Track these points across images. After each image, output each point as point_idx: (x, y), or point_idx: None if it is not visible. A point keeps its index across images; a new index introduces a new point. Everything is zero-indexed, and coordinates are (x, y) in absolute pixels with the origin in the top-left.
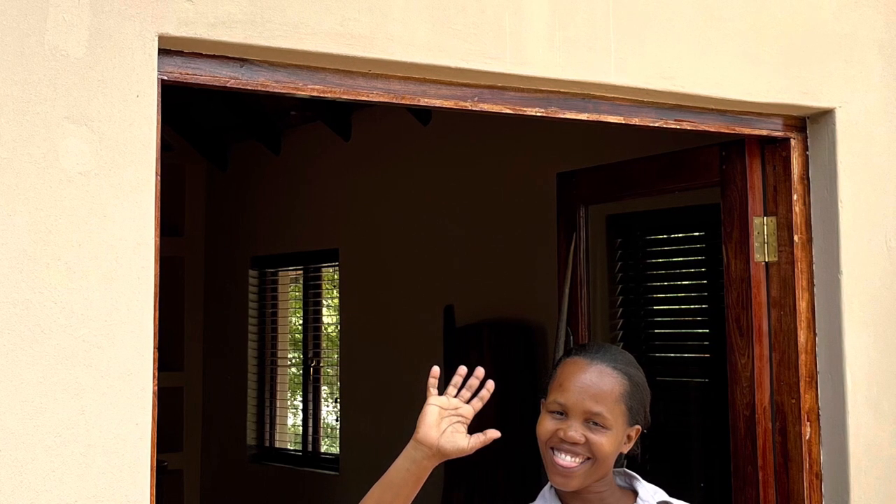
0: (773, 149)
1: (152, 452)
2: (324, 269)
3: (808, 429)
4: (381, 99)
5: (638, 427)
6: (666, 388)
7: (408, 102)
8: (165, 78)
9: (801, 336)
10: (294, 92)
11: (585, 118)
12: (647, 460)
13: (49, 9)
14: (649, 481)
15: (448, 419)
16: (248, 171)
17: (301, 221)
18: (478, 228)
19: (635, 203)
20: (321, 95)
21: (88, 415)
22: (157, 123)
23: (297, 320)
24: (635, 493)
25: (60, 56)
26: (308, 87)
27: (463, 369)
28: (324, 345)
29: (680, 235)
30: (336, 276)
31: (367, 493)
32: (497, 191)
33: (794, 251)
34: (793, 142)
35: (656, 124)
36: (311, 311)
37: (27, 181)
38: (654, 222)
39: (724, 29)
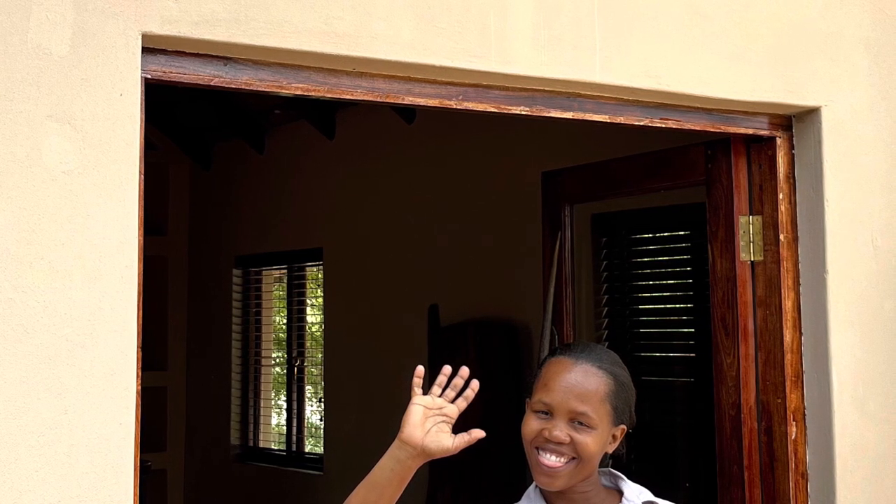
0: (759, 147)
1: (136, 452)
2: (308, 269)
3: (794, 428)
4: (366, 97)
5: (623, 427)
6: (651, 388)
7: (392, 101)
8: (149, 77)
9: (787, 335)
10: (278, 90)
11: (570, 117)
12: (632, 460)
13: (32, 7)
14: (634, 481)
15: (432, 419)
16: (231, 170)
17: (285, 220)
18: (463, 227)
19: (620, 202)
20: (305, 94)
21: (72, 414)
22: (141, 122)
23: (281, 320)
24: (620, 493)
25: (44, 54)
26: (292, 86)
27: (447, 369)
28: (308, 344)
29: (665, 234)
30: (320, 276)
31: (352, 493)
32: (482, 190)
33: (780, 250)
34: (778, 140)
35: (642, 123)
36: (296, 311)
37: (10, 180)
38: (639, 221)
39: (709, 27)
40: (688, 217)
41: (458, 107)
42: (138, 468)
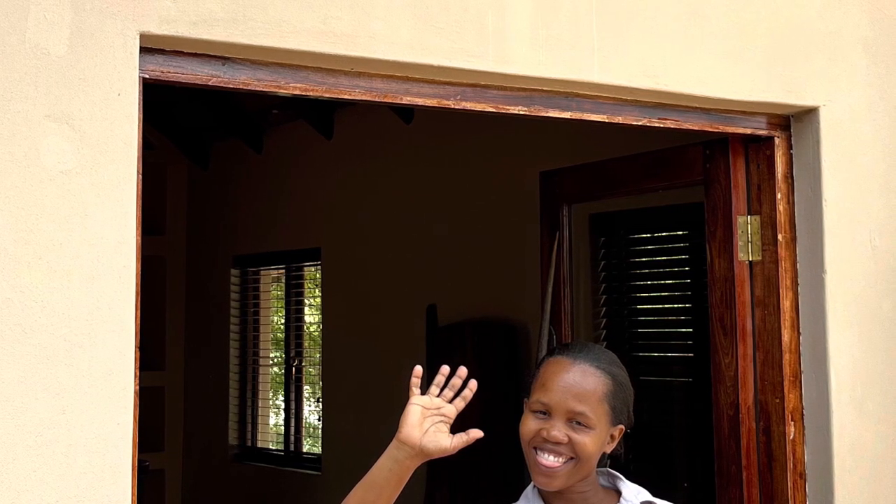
0: (757, 147)
1: (134, 452)
2: (306, 269)
3: (792, 428)
4: (364, 97)
5: (621, 426)
6: (649, 388)
7: (390, 101)
8: (147, 76)
9: (785, 335)
10: (276, 90)
11: (569, 117)
12: (630, 460)
13: (30, 7)
14: (633, 481)
15: (430, 419)
16: (229, 170)
17: (283, 220)
18: (460, 227)
19: (619, 202)
20: (303, 94)
21: (70, 414)
22: (139, 122)
23: (279, 319)
24: (618, 493)
25: (42, 54)
26: (290, 86)
27: (445, 369)
28: (306, 344)
29: (663, 234)
30: (318, 276)
31: (350, 493)
32: (480, 190)
33: (778, 250)
34: (777, 140)
35: (640, 123)
36: (293, 311)
37: (8, 180)
38: (637, 221)
39: (707, 27)
40: (686, 217)
41: (456, 107)
42: (136, 468)
